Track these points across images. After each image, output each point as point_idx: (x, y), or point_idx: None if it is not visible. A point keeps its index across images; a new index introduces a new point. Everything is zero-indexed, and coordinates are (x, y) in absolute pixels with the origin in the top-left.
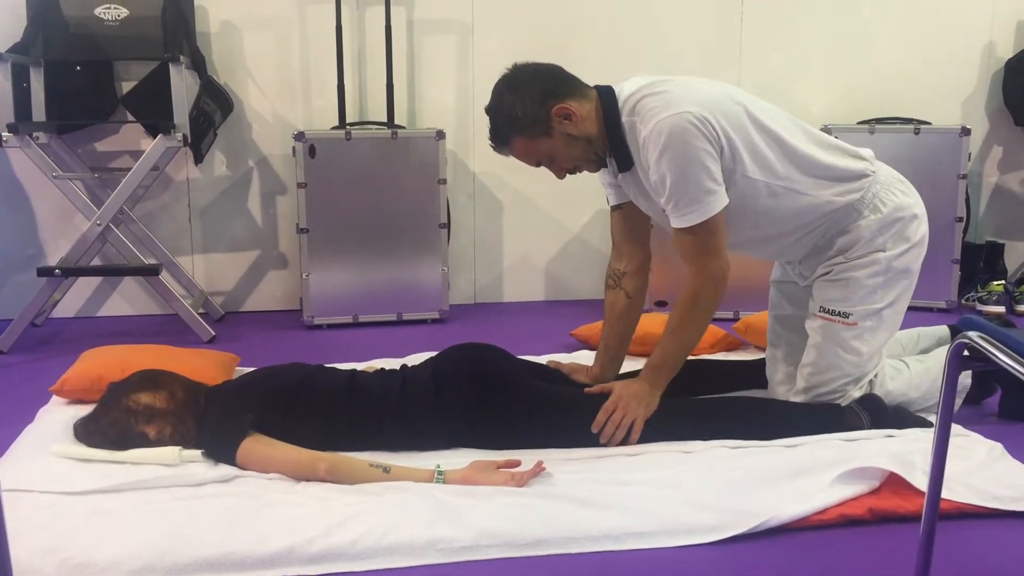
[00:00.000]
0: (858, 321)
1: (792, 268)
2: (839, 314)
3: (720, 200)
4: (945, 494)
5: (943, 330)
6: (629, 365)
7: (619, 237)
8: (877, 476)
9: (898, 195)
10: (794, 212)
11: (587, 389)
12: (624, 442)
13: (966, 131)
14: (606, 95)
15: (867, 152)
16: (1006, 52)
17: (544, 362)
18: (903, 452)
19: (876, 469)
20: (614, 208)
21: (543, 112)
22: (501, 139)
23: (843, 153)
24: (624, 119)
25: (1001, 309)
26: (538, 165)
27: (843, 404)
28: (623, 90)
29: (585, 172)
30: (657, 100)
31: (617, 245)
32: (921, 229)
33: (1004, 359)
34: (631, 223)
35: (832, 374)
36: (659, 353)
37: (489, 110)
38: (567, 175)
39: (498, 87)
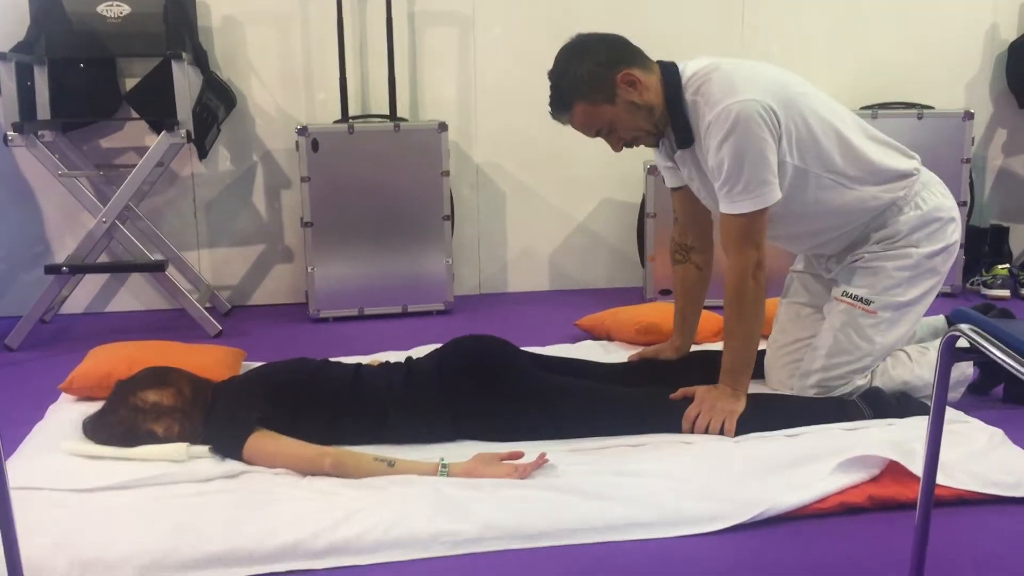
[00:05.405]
0: (878, 311)
1: (820, 262)
2: (861, 300)
3: (774, 193)
4: (944, 481)
5: (940, 320)
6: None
7: (683, 215)
8: (877, 464)
9: (939, 196)
10: (840, 206)
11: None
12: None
13: (969, 115)
14: (669, 71)
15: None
16: (1010, 34)
17: (560, 354)
18: (903, 440)
19: (876, 457)
20: (674, 190)
21: (609, 77)
22: (563, 105)
23: (894, 150)
24: (688, 97)
25: (1006, 292)
26: (596, 135)
27: (847, 392)
28: (687, 68)
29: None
30: (724, 84)
31: (681, 222)
32: (956, 234)
33: (995, 352)
34: (693, 201)
35: (843, 358)
36: (728, 356)
37: (552, 75)
38: (624, 148)
39: (563, 52)
